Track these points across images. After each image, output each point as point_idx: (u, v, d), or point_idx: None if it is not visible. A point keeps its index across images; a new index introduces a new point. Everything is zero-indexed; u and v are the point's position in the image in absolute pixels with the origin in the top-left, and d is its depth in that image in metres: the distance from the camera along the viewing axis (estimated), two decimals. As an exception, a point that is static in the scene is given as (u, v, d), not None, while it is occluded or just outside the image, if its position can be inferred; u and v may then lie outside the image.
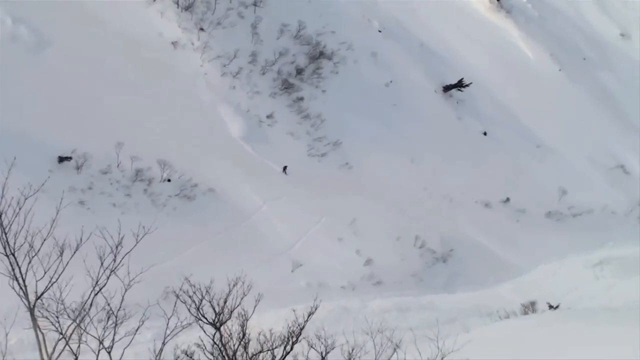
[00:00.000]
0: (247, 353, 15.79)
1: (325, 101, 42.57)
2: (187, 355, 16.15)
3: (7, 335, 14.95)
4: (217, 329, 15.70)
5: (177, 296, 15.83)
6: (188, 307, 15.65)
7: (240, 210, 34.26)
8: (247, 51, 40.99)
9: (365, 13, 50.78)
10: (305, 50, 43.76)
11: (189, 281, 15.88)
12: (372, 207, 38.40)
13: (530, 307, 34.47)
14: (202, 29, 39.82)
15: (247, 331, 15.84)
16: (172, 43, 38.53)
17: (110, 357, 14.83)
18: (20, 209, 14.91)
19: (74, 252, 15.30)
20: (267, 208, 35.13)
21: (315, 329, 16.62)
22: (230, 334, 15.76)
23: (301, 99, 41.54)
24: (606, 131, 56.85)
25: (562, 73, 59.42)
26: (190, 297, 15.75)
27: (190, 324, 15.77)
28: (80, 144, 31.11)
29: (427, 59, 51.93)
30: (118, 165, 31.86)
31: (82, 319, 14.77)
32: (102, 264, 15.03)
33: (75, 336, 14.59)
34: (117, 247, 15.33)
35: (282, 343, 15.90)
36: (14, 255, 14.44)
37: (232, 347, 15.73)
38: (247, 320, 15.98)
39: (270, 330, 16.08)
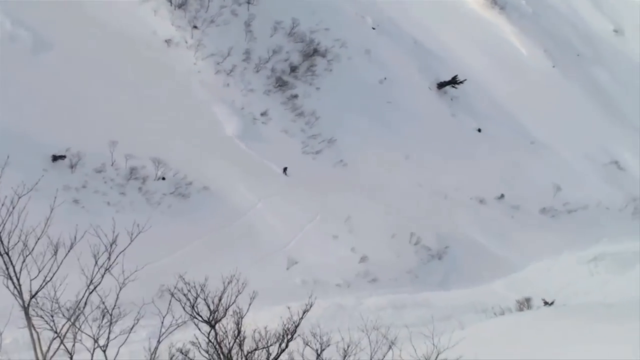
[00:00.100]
0: (242, 351, 15.76)
1: (320, 98, 42.57)
2: (182, 354, 16.12)
3: (1, 334, 14.85)
4: (212, 326, 15.67)
5: (172, 294, 15.79)
6: (183, 305, 15.61)
7: (235, 208, 34.22)
8: (240, 49, 40.97)
9: (359, 10, 50.81)
10: (299, 48, 43.76)
11: (184, 279, 15.84)
12: (367, 205, 38.41)
13: (525, 304, 34.51)
14: (195, 27, 39.78)
15: (242, 329, 15.81)
16: (166, 41, 38.47)
17: (105, 356, 14.80)
18: (14, 207, 14.84)
19: (68, 251, 15.23)
20: (262, 206, 35.09)
21: (311, 327, 16.61)
22: (226, 331, 15.73)
23: (295, 96, 41.52)
24: (600, 127, 57.02)
25: (556, 69, 59.59)
26: (185, 295, 15.71)
27: (185, 322, 15.74)
28: (74, 142, 31.03)
29: (421, 56, 51.99)
30: (112, 163, 31.79)
31: (77, 317, 14.72)
32: (96, 262, 14.98)
33: (70, 335, 14.54)
34: (111, 245, 15.27)
35: (278, 340, 15.87)
36: (8, 254, 14.39)
37: (227, 345, 15.70)
38: (242, 318, 15.94)
39: (266, 328, 16.04)
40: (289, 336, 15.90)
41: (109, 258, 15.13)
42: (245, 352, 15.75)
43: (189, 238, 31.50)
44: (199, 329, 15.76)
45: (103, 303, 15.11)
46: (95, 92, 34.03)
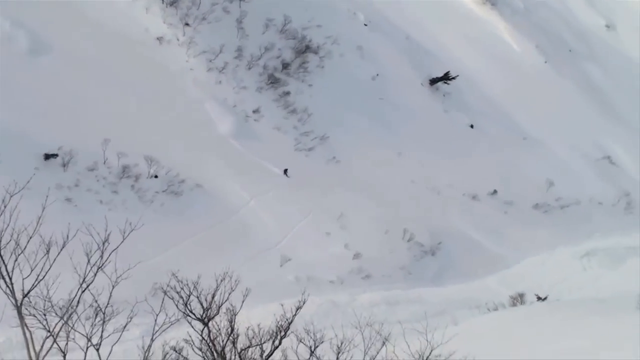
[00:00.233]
0: (235, 348, 15.74)
1: (312, 95, 42.55)
2: (176, 351, 16.07)
3: (-6, 333, 14.85)
4: (205, 324, 15.65)
5: (165, 292, 15.76)
6: (176, 303, 15.58)
7: (228, 205, 34.19)
8: (232, 46, 40.92)
9: (351, 6, 50.78)
10: (291, 45, 43.74)
11: (177, 277, 15.81)
12: (359, 201, 38.42)
13: (518, 299, 34.57)
14: (187, 24, 39.71)
15: (235, 326, 15.78)
16: (158, 39, 38.40)
17: (99, 355, 14.78)
18: (5, 206, 14.81)
19: (61, 250, 15.20)
20: (254, 203, 35.06)
21: (304, 323, 16.57)
22: (219, 329, 15.71)
23: (287, 93, 41.50)
24: (592, 123, 57.11)
25: (548, 65, 59.67)
26: (178, 293, 15.68)
27: (178, 320, 15.71)
28: (66, 140, 30.95)
29: (413, 52, 51.99)
30: (105, 162, 31.72)
31: (70, 316, 14.69)
32: (89, 261, 14.95)
33: (63, 334, 14.51)
34: (104, 244, 15.24)
35: (271, 338, 15.85)
36: (-1, 253, 14.37)
37: (220, 342, 15.68)
38: (235, 316, 15.91)
39: (259, 325, 16.01)
40: (283, 333, 15.88)
41: (101, 256, 15.10)
42: (239, 350, 15.73)
43: (182, 236, 31.48)
44: (192, 327, 15.73)
45: (96, 301, 15.08)
46: (87, 91, 33.96)
